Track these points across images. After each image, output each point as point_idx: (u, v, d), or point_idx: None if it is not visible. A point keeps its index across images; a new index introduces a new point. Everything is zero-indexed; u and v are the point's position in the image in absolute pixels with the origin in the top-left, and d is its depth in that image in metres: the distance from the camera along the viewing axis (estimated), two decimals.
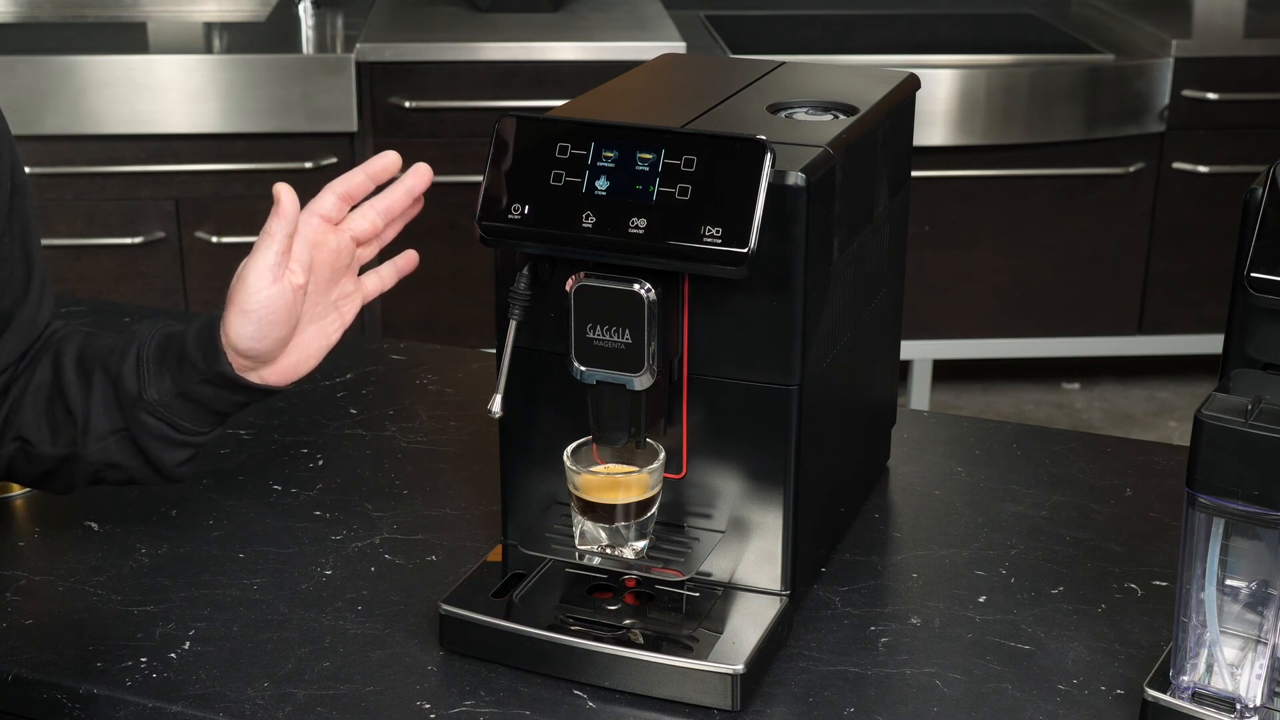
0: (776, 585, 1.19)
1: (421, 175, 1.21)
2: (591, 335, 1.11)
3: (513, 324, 1.14)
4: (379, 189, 1.21)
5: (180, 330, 1.18)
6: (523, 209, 1.10)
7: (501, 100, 3.27)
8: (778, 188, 1.07)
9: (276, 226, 1.12)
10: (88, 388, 1.18)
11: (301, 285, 1.14)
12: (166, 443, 1.17)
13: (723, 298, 1.12)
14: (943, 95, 3.36)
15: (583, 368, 1.12)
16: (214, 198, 3.24)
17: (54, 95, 3.11)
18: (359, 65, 3.21)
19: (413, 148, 3.26)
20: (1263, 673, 1.03)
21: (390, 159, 1.21)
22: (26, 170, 3.48)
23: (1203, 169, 3.51)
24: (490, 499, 1.35)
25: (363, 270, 1.23)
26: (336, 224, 1.19)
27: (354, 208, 1.21)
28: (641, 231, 1.07)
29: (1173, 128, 3.49)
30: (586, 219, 1.08)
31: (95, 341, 1.21)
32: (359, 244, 1.21)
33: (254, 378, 1.16)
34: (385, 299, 3.31)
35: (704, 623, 1.15)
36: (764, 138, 1.07)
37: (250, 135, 3.20)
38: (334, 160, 3.22)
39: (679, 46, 3.27)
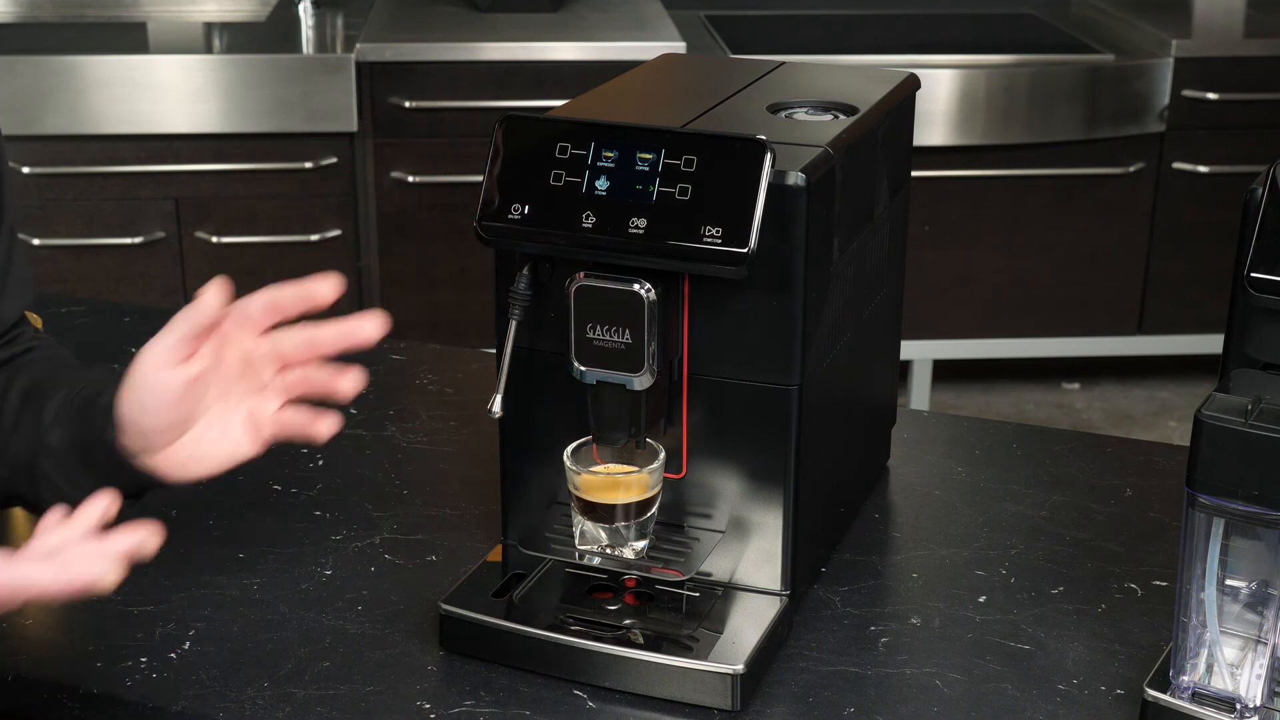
0: (776, 585, 1.19)
1: (363, 329, 1.10)
2: (591, 335, 1.11)
3: (513, 324, 1.14)
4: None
5: (113, 387, 1.11)
6: (523, 209, 1.10)
7: (501, 100, 3.27)
8: (778, 188, 1.07)
9: (182, 323, 1.06)
10: (19, 417, 1.13)
11: (197, 376, 1.08)
12: (56, 495, 1.10)
13: (723, 298, 1.12)
14: (943, 95, 3.36)
15: (583, 368, 1.12)
16: (214, 198, 3.24)
17: (54, 95, 3.11)
18: (359, 65, 3.21)
19: (413, 148, 3.29)
20: (1263, 673, 1.03)
21: (324, 288, 1.09)
22: (26, 171, 3.48)
23: (1203, 169, 3.51)
24: (490, 499, 1.35)
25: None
26: (261, 331, 1.11)
27: (282, 325, 1.12)
28: (641, 231, 1.07)
29: (1173, 128, 3.49)
30: (586, 219, 1.08)
31: (58, 373, 1.16)
32: (282, 365, 1.12)
33: (141, 460, 1.09)
34: (385, 300, 3.32)
35: (704, 623, 1.16)
36: (764, 138, 1.07)
37: (250, 135, 3.20)
38: (334, 160, 3.22)
39: (679, 46, 3.27)
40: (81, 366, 1.20)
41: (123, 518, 1.36)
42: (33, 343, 1.22)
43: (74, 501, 1.08)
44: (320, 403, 1.12)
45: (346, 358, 1.13)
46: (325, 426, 1.12)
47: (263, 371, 1.13)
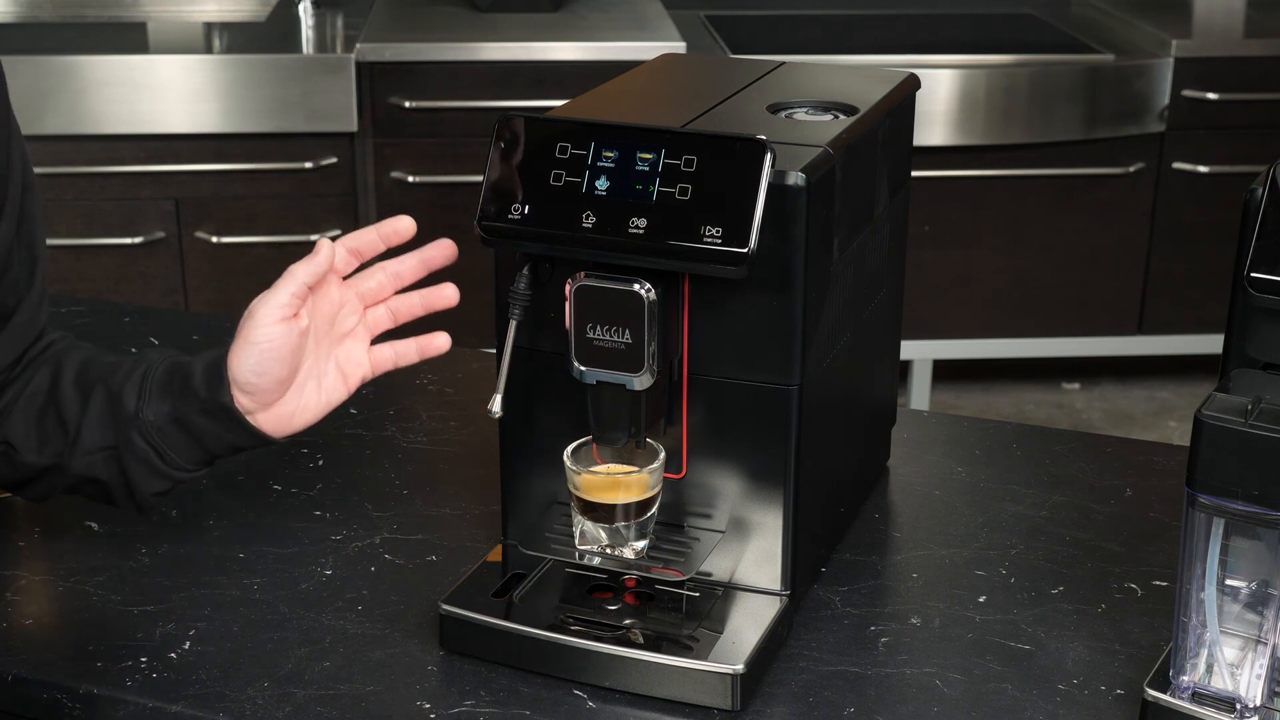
0: (776, 585, 1.19)
1: (441, 249, 1.21)
2: (591, 335, 1.11)
3: (513, 324, 1.14)
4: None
5: (189, 359, 1.18)
6: (523, 209, 1.10)
7: (501, 100, 3.27)
8: (778, 188, 1.07)
9: (302, 271, 1.14)
10: (85, 401, 1.17)
11: (306, 329, 1.15)
12: (149, 469, 1.17)
13: (723, 298, 1.12)
14: (943, 95, 3.36)
15: (583, 368, 1.12)
16: (214, 198, 3.24)
17: (54, 95, 3.11)
18: (359, 65, 3.21)
19: (413, 148, 3.29)
20: (1263, 673, 1.03)
21: (403, 224, 1.21)
22: None
23: (1203, 169, 3.52)
24: (490, 499, 1.35)
25: (381, 341, 1.24)
26: (344, 278, 1.20)
27: (364, 267, 1.21)
28: (641, 231, 1.07)
29: (1173, 128, 3.50)
30: (586, 219, 1.08)
31: (99, 359, 1.21)
32: (366, 305, 1.22)
33: (251, 420, 1.16)
34: None
35: (704, 623, 1.15)
36: (764, 138, 1.07)
37: (250, 135, 3.20)
38: (334, 160, 3.22)
39: (679, 46, 3.27)
40: (109, 351, 1.24)
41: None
42: (52, 336, 1.26)
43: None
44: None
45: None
46: (440, 340, 1.25)
47: (348, 317, 1.21)
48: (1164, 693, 1.06)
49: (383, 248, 1.21)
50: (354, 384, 1.22)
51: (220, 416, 1.15)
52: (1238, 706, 1.04)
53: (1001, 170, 3.47)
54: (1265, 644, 1.03)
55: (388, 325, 1.24)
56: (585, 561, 1.16)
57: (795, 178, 1.08)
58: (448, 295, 1.24)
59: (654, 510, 1.16)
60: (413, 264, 1.23)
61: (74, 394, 1.18)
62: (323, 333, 1.19)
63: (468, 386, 1.66)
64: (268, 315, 1.13)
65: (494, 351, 1.20)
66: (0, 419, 1.19)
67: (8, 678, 1.16)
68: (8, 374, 1.20)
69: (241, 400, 1.15)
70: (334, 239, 1.18)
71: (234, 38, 3.43)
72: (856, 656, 1.18)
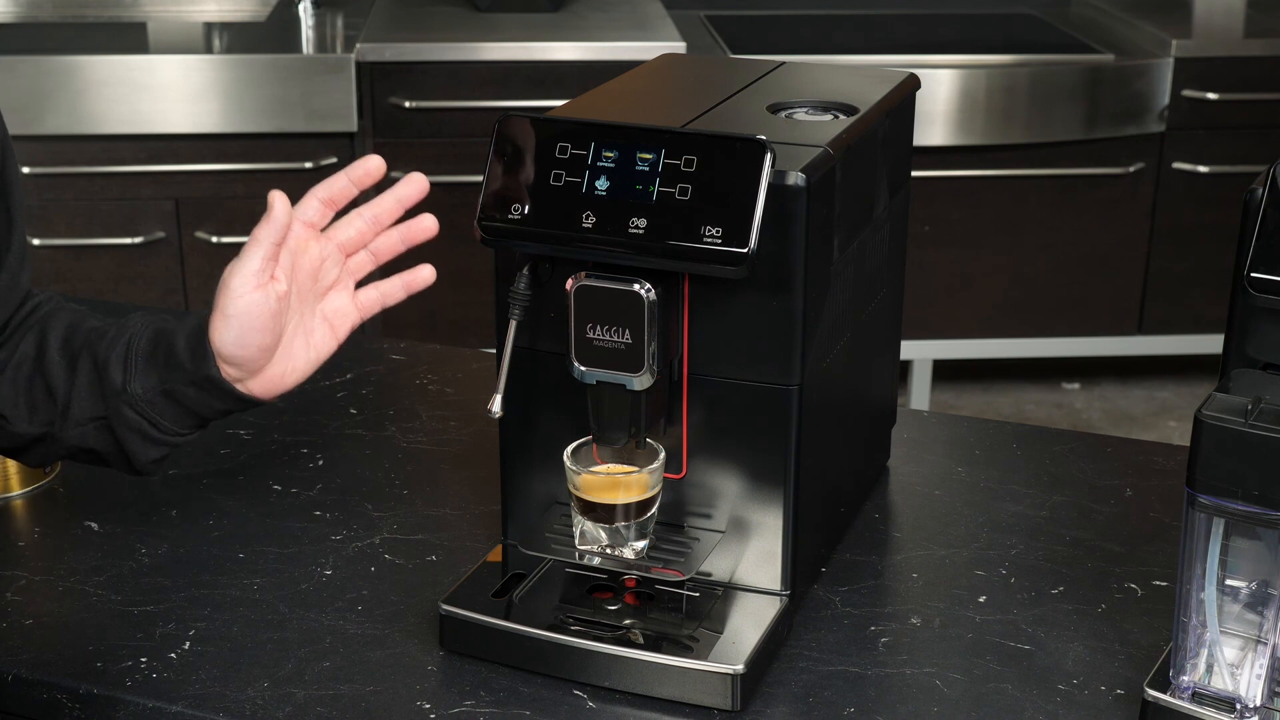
0: (776, 585, 1.19)
1: (414, 184, 1.18)
2: (591, 335, 1.11)
3: (513, 324, 1.14)
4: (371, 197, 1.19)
5: (172, 328, 1.15)
6: (523, 209, 1.10)
7: (501, 100, 3.27)
8: (778, 188, 1.07)
9: (264, 233, 1.10)
10: (72, 371, 1.15)
11: (285, 293, 1.12)
12: (143, 438, 1.15)
13: (723, 298, 1.12)
14: (943, 95, 3.36)
15: (583, 368, 1.12)
16: (214, 198, 3.24)
17: (54, 95, 3.11)
18: (359, 65, 3.21)
19: (413, 148, 3.29)
20: (1263, 673, 1.03)
21: (373, 164, 1.17)
22: (26, 170, 3.48)
23: (1203, 169, 3.51)
24: (490, 499, 1.35)
25: (365, 284, 1.21)
26: (322, 230, 1.16)
27: (341, 215, 1.18)
28: (641, 231, 1.07)
29: (1173, 128, 3.49)
30: (586, 219, 1.08)
31: (84, 323, 1.18)
32: (347, 254, 1.18)
33: (240, 387, 1.14)
34: None
35: (704, 623, 1.15)
36: (764, 138, 1.07)
37: (250, 135, 3.20)
38: (334, 160, 3.22)
39: (679, 46, 3.27)
40: (96, 315, 1.22)
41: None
42: (36, 299, 1.23)
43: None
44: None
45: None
46: (425, 273, 1.21)
47: (330, 269, 1.18)
48: (1164, 693, 1.06)
49: (356, 192, 1.17)
50: (343, 334, 1.19)
51: (207, 387, 1.13)
52: (1238, 706, 1.04)
53: (1001, 170, 3.47)
54: (1265, 644, 1.03)
55: (370, 268, 1.20)
56: (585, 561, 1.16)
57: (795, 178, 1.08)
58: (426, 226, 1.20)
59: (654, 510, 1.16)
60: (389, 204, 1.19)
61: (61, 361, 1.16)
62: (306, 290, 1.16)
63: (468, 386, 1.66)
64: (242, 284, 1.10)
65: (494, 351, 1.20)
66: None
67: (8, 678, 1.16)
68: None
69: (228, 370, 1.13)
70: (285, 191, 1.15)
71: (234, 38, 3.43)
72: (856, 656, 1.18)
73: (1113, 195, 3.53)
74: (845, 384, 1.26)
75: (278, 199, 1.10)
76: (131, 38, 3.47)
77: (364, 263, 1.20)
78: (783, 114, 1.24)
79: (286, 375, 1.16)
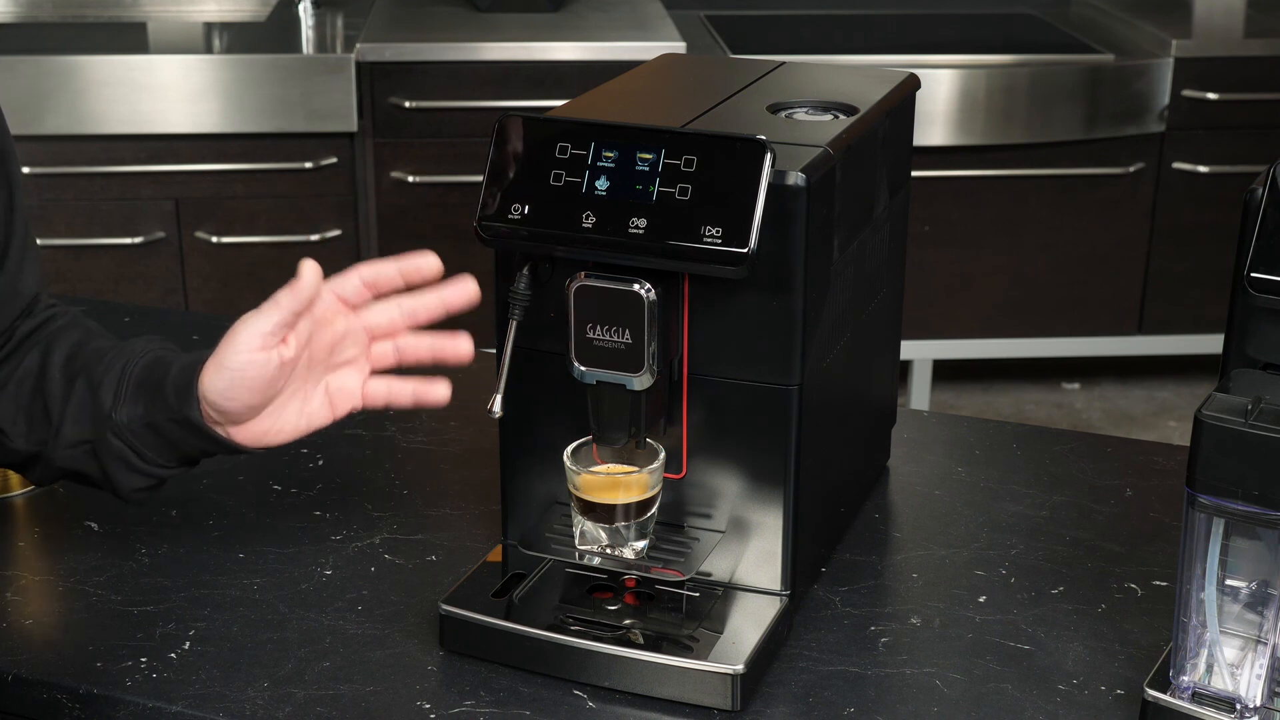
0: (776, 585, 1.19)
1: (462, 291, 1.14)
2: (591, 335, 1.11)
3: (513, 324, 1.14)
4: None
5: (169, 359, 1.13)
6: (523, 209, 1.10)
7: (501, 100, 3.27)
8: (778, 188, 1.07)
9: (286, 300, 1.07)
10: (68, 392, 1.14)
11: (290, 360, 1.09)
12: (127, 466, 1.14)
13: (723, 298, 1.12)
14: (943, 95, 3.36)
15: (583, 368, 1.12)
16: (214, 198, 3.24)
17: (54, 95, 3.11)
18: (359, 65, 3.21)
19: (413, 148, 3.29)
20: (1263, 673, 1.03)
21: (429, 265, 1.14)
22: (26, 171, 3.48)
23: (1203, 169, 3.52)
24: (490, 499, 1.35)
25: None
26: (354, 308, 1.14)
27: (379, 298, 1.15)
28: (641, 231, 1.07)
29: (1173, 128, 3.50)
30: (586, 219, 1.08)
31: (90, 342, 1.17)
32: (373, 338, 1.16)
33: (221, 431, 1.12)
34: None
35: (704, 623, 1.15)
36: (764, 138, 1.07)
37: (250, 135, 3.20)
38: (334, 160, 3.22)
39: (679, 46, 3.27)
40: (107, 334, 1.21)
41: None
42: (51, 311, 1.22)
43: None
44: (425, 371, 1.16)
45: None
46: (441, 390, 1.18)
47: (349, 347, 1.15)
48: (1164, 693, 1.06)
49: (401, 284, 1.14)
50: (341, 412, 1.16)
51: (189, 429, 1.11)
52: (1238, 706, 1.04)
53: (1001, 170, 3.47)
54: (1265, 644, 1.03)
55: (390, 363, 1.17)
56: (585, 561, 1.16)
57: (795, 178, 1.08)
58: (462, 348, 1.17)
59: (654, 510, 1.16)
60: (431, 304, 1.16)
61: (60, 380, 1.15)
62: (318, 360, 1.14)
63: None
64: (247, 341, 1.08)
65: (494, 351, 1.20)
66: None
67: (8, 678, 1.16)
68: None
69: (211, 415, 1.11)
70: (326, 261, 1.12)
71: (234, 38, 3.43)
72: (856, 656, 1.18)
73: (1113, 195, 3.53)
74: (845, 384, 1.26)
75: (307, 268, 1.07)
76: (131, 38, 3.47)
77: (387, 354, 1.17)
78: (783, 114, 1.24)
79: (270, 434, 1.14)
